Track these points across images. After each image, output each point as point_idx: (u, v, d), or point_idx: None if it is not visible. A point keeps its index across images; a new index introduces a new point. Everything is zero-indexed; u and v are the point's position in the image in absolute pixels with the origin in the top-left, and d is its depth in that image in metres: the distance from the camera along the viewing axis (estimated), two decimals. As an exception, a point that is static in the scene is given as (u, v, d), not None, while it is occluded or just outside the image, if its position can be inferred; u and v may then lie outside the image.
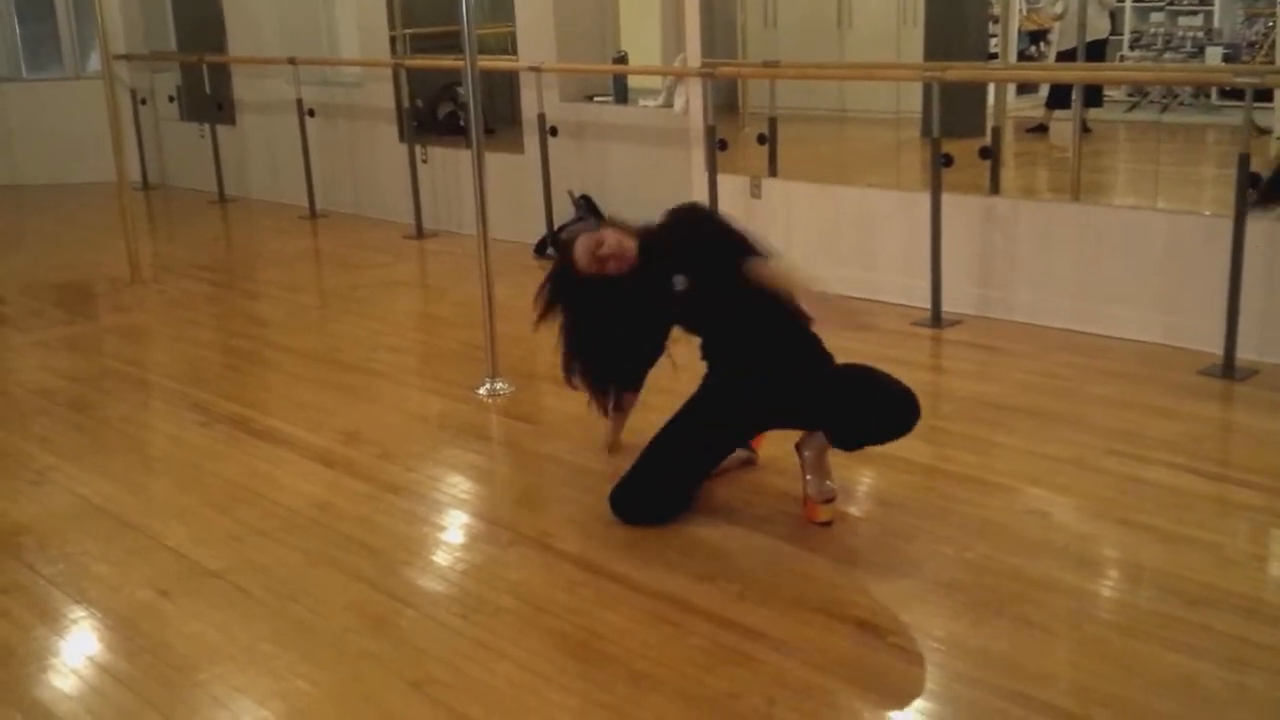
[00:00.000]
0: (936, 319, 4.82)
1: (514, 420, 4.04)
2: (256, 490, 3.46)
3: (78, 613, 2.80)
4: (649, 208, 6.05)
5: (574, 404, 4.17)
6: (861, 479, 3.38)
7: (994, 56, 8.45)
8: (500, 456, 3.82)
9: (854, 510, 3.19)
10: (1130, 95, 8.68)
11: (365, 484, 3.48)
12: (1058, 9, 9.01)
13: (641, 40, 7.29)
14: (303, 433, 3.91)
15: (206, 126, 8.65)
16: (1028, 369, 4.27)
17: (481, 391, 4.23)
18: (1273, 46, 8.42)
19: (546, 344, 5.14)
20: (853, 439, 3.09)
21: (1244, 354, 4.10)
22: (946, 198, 4.77)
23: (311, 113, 7.75)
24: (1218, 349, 4.12)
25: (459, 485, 3.53)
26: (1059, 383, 4.11)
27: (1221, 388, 4.01)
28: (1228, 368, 4.08)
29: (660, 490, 3.14)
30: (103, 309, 5.95)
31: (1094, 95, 7.56)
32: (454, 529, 3.27)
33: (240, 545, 3.10)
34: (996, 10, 8.75)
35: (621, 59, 6.46)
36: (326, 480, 3.52)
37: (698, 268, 3.16)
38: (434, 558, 3.07)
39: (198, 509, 3.36)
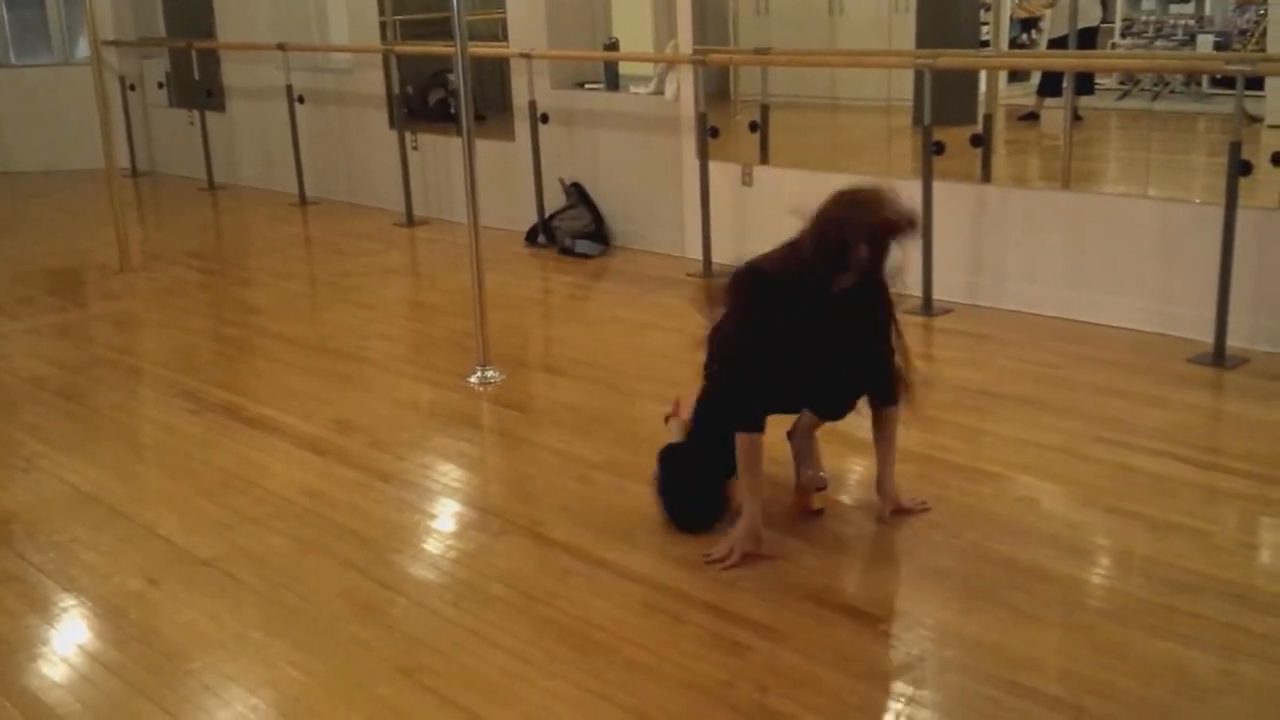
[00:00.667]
0: (928, 307, 4.82)
1: (505, 408, 4.03)
2: (247, 478, 3.45)
3: (67, 601, 2.80)
4: (640, 195, 6.08)
5: (565, 392, 4.18)
6: (853, 467, 3.39)
7: (986, 44, 8.44)
8: (491, 444, 3.82)
9: (845, 498, 3.19)
10: (1122, 83, 8.68)
11: (356, 472, 3.48)
12: (1049, -4, 9.02)
13: (633, 27, 7.27)
14: (294, 420, 3.90)
15: (196, 113, 8.61)
16: (1018, 357, 4.28)
17: (472, 379, 4.22)
18: (1264, 34, 8.42)
19: (537, 333, 5.17)
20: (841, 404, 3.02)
21: (1234, 342, 4.11)
22: (938, 185, 4.77)
23: (301, 99, 7.72)
24: (1208, 337, 4.13)
25: (450, 473, 3.52)
26: (1050, 371, 4.12)
27: (1212, 375, 4.02)
28: (1218, 355, 4.09)
29: (716, 491, 3.01)
30: (93, 296, 5.92)
31: (1086, 83, 7.56)
32: (445, 517, 3.27)
33: (231, 533, 3.09)
34: (989, -3, 8.74)
35: (613, 46, 6.44)
36: (317, 468, 3.52)
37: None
38: (425, 546, 3.07)
39: (188, 497, 3.35)
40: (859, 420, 3.69)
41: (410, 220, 7.10)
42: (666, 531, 3.00)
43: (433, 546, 3.06)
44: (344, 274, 6.06)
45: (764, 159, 5.71)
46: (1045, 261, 4.71)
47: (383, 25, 7.78)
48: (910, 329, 4.63)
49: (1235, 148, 3.97)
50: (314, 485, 3.38)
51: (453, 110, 7.36)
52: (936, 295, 4.84)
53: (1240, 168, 3.98)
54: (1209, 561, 2.76)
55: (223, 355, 4.86)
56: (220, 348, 4.97)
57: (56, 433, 3.90)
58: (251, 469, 3.52)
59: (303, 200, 7.85)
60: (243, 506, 3.25)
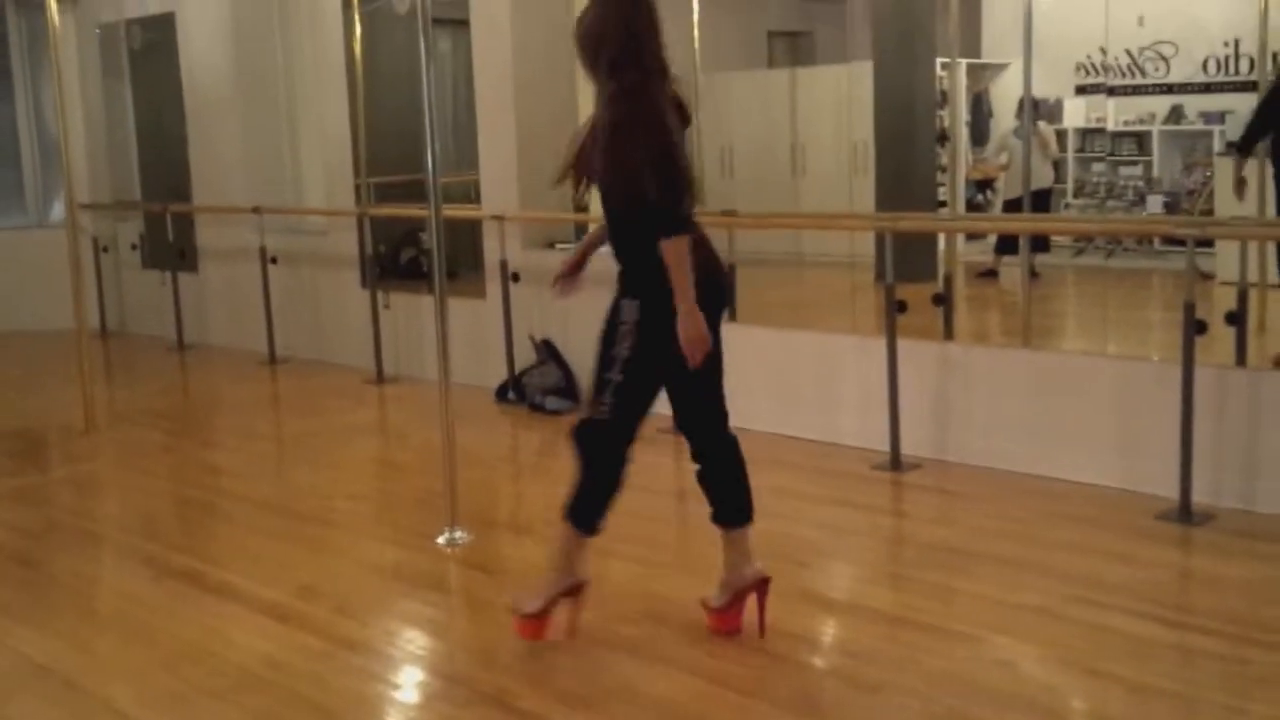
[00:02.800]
0: (896, 463, 4.83)
1: (473, 570, 3.98)
2: (206, 647, 3.36)
3: (14, 783, 2.69)
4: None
5: (533, 552, 4.12)
6: (825, 629, 3.34)
7: (943, 204, 8.69)
8: (459, 609, 3.75)
9: (818, 662, 3.14)
10: (1076, 241, 8.94)
11: (319, 640, 3.39)
12: (1002, 159, 9.33)
13: (602, 190, 7.45)
14: (256, 586, 3.83)
15: (168, 274, 8.67)
16: (987, 514, 4.28)
17: (440, 541, 4.16)
18: (1210, 195, 8.73)
19: (507, 492, 5.14)
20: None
21: (1200, 498, 4.13)
22: (902, 343, 4.84)
23: (274, 260, 7.79)
24: (1173, 493, 4.15)
25: (416, 640, 3.45)
26: (1019, 528, 4.12)
27: (1179, 532, 4.03)
28: (1184, 512, 4.10)
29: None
30: (55, 459, 5.85)
31: (1041, 241, 7.78)
32: (409, 687, 3.18)
33: (187, 707, 3.00)
34: (944, 160, 9.05)
35: (583, 207, 6.58)
36: (279, 636, 3.43)
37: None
38: (388, 718, 2.98)
39: (145, 668, 3.25)
40: (830, 580, 3.67)
41: (380, 378, 7.11)
42: (637, 699, 2.93)
43: (396, 719, 2.97)
44: (312, 433, 6.03)
45: (732, 317, 5.78)
46: (1009, 418, 4.76)
47: (357, 188, 7.93)
48: (879, 486, 4.68)
49: (1189, 309, 4.06)
50: (275, 655, 3.29)
51: (425, 268, 7.46)
52: (904, 451, 4.86)
53: (1195, 327, 4.06)
54: (1187, 725, 2.72)
55: (186, 519, 4.79)
56: (183, 511, 4.90)
57: (11, 602, 3.80)
58: (212, 638, 3.43)
59: (272, 359, 7.86)
60: (201, 678, 3.15)
